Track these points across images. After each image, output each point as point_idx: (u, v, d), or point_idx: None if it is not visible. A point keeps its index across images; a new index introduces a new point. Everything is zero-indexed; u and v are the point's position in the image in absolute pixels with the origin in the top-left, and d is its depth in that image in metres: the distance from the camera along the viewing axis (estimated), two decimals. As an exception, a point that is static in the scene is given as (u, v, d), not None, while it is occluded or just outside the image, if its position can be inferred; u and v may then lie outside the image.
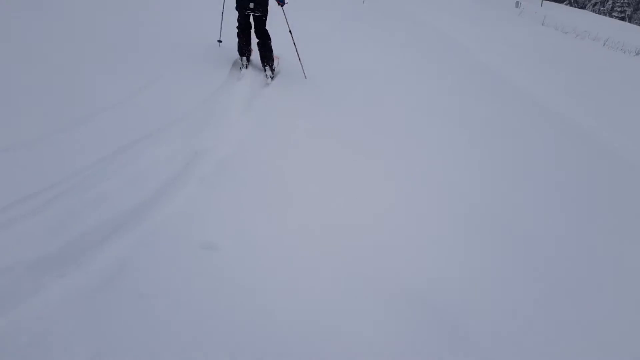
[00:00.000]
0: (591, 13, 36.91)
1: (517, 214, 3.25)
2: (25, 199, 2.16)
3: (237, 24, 4.83)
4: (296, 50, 5.11)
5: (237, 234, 2.32)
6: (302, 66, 5.14)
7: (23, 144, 2.60)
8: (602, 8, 41.34)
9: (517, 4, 21.64)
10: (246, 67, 4.99)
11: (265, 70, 4.88)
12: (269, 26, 4.88)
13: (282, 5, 4.87)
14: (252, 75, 4.90)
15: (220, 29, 5.22)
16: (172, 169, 2.85)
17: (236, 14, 4.77)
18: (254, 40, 4.96)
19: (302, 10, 6.58)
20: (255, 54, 5.15)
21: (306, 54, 5.29)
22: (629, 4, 39.94)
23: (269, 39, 4.88)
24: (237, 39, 4.89)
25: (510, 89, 6.71)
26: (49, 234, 1.98)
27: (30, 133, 2.72)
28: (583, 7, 42.49)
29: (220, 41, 5.21)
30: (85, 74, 3.73)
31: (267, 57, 4.87)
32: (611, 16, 38.72)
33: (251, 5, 4.56)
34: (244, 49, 4.92)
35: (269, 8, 4.77)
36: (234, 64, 5.08)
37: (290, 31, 5.08)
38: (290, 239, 2.39)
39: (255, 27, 4.83)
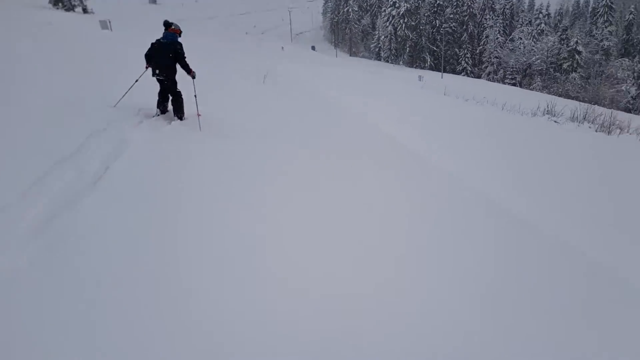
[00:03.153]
0: (486, 81, 41.38)
1: None
2: None
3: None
4: (197, 108, 5.76)
5: None
6: (199, 122, 5.70)
7: None
8: (495, 76, 46.68)
9: (420, 78, 23.16)
10: (158, 115, 5.71)
11: (175, 119, 5.72)
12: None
13: (193, 78, 5.64)
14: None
15: (123, 95, 5.66)
16: None
17: None
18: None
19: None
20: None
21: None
22: (517, 71, 45.52)
23: (181, 97, 5.73)
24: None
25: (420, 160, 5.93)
26: None
27: None
28: (479, 77, 47.81)
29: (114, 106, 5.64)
30: None
31: (177, 109, 5.75)
32: (504, 83, 43.70)
33: (157, 71, 5.40)
34: (159, 103, 5.73)
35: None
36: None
37: (195, 95, 5.77)
38: None
39: (166, 89, 5.62)
